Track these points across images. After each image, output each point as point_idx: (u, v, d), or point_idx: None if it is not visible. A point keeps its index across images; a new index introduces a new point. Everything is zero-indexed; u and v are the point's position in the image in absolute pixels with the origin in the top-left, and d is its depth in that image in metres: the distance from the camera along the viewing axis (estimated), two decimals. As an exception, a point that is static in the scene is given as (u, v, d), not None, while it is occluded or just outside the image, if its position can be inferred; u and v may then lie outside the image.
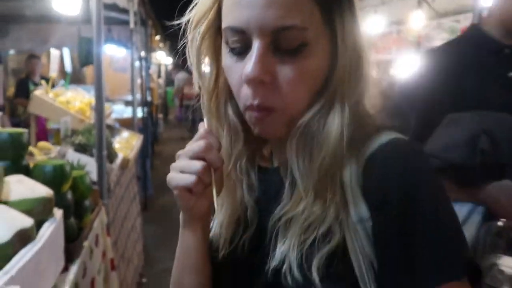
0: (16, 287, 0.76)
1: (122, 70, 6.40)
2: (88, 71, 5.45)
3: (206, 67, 0.58)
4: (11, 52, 5.66)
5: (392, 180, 0.47)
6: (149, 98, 5.36)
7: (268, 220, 0.54)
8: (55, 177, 1.24)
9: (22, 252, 0.91)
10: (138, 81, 4.80)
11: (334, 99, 0.50)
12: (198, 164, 0.52)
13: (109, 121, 3.02)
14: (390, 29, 5.12)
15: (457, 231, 0.48)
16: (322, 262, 0.48)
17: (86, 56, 2.91)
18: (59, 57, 2.97)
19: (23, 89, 4.08)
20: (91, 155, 2.05)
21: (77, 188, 1.40)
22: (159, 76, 9.58)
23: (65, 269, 1.23)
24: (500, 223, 0.81)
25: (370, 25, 4.71)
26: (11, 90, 4.72)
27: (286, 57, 0.48)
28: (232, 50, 0.51)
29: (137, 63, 4.70)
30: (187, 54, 0.57)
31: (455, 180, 0.93)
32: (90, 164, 1.88)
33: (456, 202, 0.96)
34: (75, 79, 4.59)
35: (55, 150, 1.92)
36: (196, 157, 0.53)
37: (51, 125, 3.15)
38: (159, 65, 9.84)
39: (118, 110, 4.89)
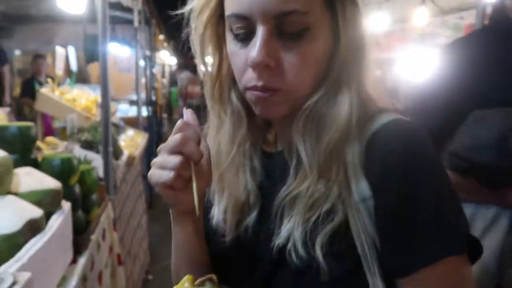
0: (28, 274, 0.77)
1: (126, 70, 6.43)
2: (93, 70, 5.48)
3: (209, 56, 0.59)
4: (17, 52, 5.71)
5: (393, 159, 0.48)
6: (153, 98, 5.38)
7: (272, 202, 0.55)
8: (62, 170, 1.26)
9: (32, 241, 0.92)
10: (143, 80, 4.83)
11: (340, 81, 0.51)
12: (175, 159, 0.51)
13: (114, 119, 3.04)
14: (394, 26, 5.11)
15: (456, 208, 0.49)
16: (325, 240, 0.49)
17: (91, 53, 2.94)
18: (64, 56, 2.99)
19: (29, 89, 4.11)
20: (97, 152, 2.06)
21: (84, 182, 1.42)
22: (163, 76, 9.61)
23: (74, 261, 1.24)
24: None
25: (374, 22, 4.70)
26: (17, 91, 4.76)
27: (290, 41, 0.49)
28: (236, 36, 0.52)
29: (141, 62, 4.73)
30: (190, 43, 0.58)
31: (481, 182, 0.89)
32: (96, 161, 1.89)
33: (481, 205, 0.92)
34: (80, 78, 4.61)
35: (62, 145, 1.94)
36: (173, 151, 0.51)
37: (57, 124, 3.18)
38: (163, 65, 9.87)
39: (123, 109, 4.91)
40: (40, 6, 4.17)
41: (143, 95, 4.62)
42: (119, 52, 5.69)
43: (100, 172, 1.89)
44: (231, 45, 0.53)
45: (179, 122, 0.53)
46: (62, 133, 2.57)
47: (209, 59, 0.59)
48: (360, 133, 0.51)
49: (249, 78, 0.51)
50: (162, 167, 0.52)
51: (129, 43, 4.95)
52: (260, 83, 0.50)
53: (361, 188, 0.49)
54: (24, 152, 1.20)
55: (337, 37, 0.51)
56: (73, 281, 1.17)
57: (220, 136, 0.60)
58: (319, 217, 0.50)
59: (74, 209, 1.24)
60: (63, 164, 1.26)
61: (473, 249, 0.49)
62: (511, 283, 0.88)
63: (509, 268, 0.76)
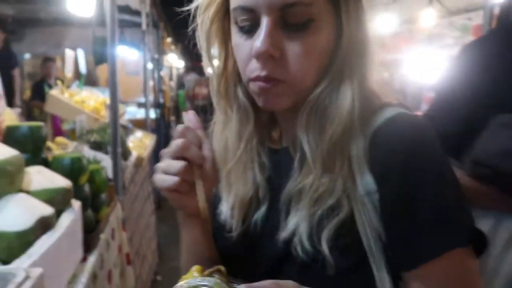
0: (39, 269, 0.79)
1: (134, 74, 6.49)
2: (102, 73, 5.53)
3: (215, 52, 0.59)
4: (27, 56, 5.79)
5: (397, 153, 0.48)
6: (161, 100, 5.42)
7: (279, 197, 0.56)
8: (72, 169, 1.28)
9: (43, 238, 0.94)
10: (151, 83, 4.86)
11: (343, 74, 0.52)
12: (178, 164, 0.52)
13: (122, 121, 3.06)
14: (401, 28, 5.10)
15: (460, 201, 0.49)
16: (331, 234, 0.49)
17: (100, 55, 2.97)
18: (73, 58, 3.03)
19: (39, 92, 4.16)
20: (106, 153, 2.09)
21: (93, 181, 1.44)
22: (170, 78, 9.68)
23: (84, 259, 1.26)
24: None
25: (381, 23, 4.68)
26: (27, 94, 4.82)
27: (294, 33, 0.50)
28: (241, 29, 0.53)
29: (149, 65, 4.76)
30: (196, 39, 0.58)
31: (505, 190, 0.86)
32: (105, 161, 1.91)
33: (504, 215, 0.88)
34: (89, 81, 4.66)
35: (72, 145, 1.97)
36: (175, 156, 0.52)
37: (66, 126, 3.21)
38: (170, 68, 9.94)
39: (131, 112, 4.95)
40: (50, 10, 4.23)
41: (151, 98, 4.65)
42: (127, 55, 5.74)
43: (109, 173, 1.91)
44: (236, 37, 0.54)
45: (178, 128, 0.55)
46: (71, 135, 2.60)
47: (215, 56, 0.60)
48: (364, 127, 0.51)
49: (252, 68, 0.52)
50: (166, 172, 0.53)
51: (137, 46, 5.00)
52: (263, 73, 0.51)
53: (366, 182, 0.49)
54: (35, 151, 1.22)
55: (340, 30, 0.52)
56: (83, 278, 1.19)
57: (226, 133, 0.60)
58: (325, 211, 0.50)
59: (83, 208, 1.26)
60: (73, 164, 1.28)
61: (479, 243, 0.49)
62: None
63: None
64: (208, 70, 0.60)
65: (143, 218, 2.75)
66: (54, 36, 5.29)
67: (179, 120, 10.20)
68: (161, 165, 0.54)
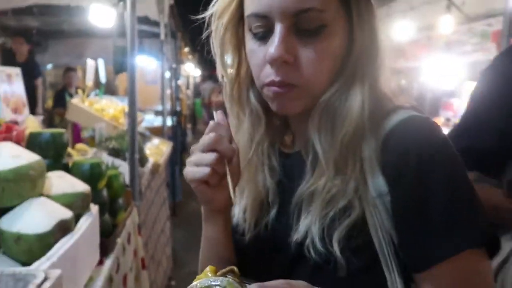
0: (58, 271, 0.81)
1: (152, 83, 6.62)
2: (121, 83, 5.66)
3: (228, 58, 0.61)
4: (49, 66, 5.97)
5: (409, 155, 0.48)
6: (178, 108, 5.50)
7: (291, 200, 0.57)
8: (92, 174, 1.31)
9: (63, 241, 0.97)
10: (168, 91, 4.94)
11: (354, 78, 0.53)
12: (210, 156, 0.53)
13: (140, 129, 3.12)
14: (419, 35, 5.05)
15: (473, 203, 0.49)
16: (342, 235, 0.50)
17: (120, 64, 3.04)
18: (94, 68, 3.12)
19: (60, 100, 4.29)
20: (124, 159, 2.13)
21: (111, 186, 1.47)
22: (187, 87, 9.81)
23: (100, 262, 1.29)
24: None
25: (399, 31, 4.66)
26: (49, 103, 4.97)
27: (307, 38, 0.51)
28: (255, 35, 0.54)
29: (167, 74, 4.85)
30: (211, 45, 0.60)
31: None
32: (122, 167, 1.96)
33: None
34: (108, 90, 4.78)
35: (91, 151, 2.02)
36: (208, 149, 0.54)
37: (85, 134, 3.30)
38: (187, 77, 10.09)
39: (149, 119, 5.04)
40: (72, 22, 4.37)
41: (168, 106, 4.73)
42: (146, 65, 5.86)
43: (126, 179, 1.95)
44: (250, 43, 0.55)
45: (211, 123, 0.56)
46: (90, 142, 2.67)
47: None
48: (376, 129, 0.52)
49: (267, 73, 0.53)
50: (198, 164, 0.54)
51: (155, 56, 5.10)
52: (277, 78, 0.52)
53: (378, 183, 0.50)
54: (56, 157, 1.26)
55: (352, 35, 0.53)
56: (100, 281, 1.21)
57: (238, 137, 0.62)
58: (336, 213, 0.51)
59: (101, 212, 1.29)
60: (92, 169, 1.32)
61: (492, 244, 0.49)
62: None
63: None
64: (221, 76, 0.62)
65: (159, 224, 2.79)
66: (76, 47, 5.45)
67: (195, 128, 10.32)
68: (192, 158, 0.56)
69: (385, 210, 0.49)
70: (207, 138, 0.55)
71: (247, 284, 0.47)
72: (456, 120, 3.36)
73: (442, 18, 4.22)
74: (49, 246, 0.93)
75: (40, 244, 0.93)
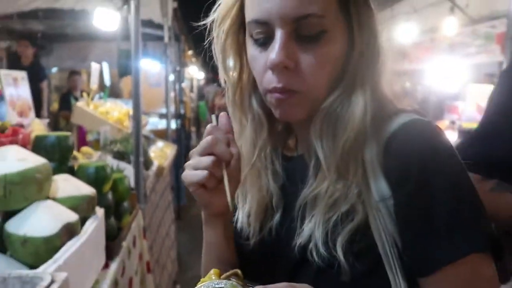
0: (64, 274, 0.81)
1: (156, 85, 6.65)
2: (125, 86, 5.69)
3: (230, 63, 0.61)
4: (54, 70, 6.02)
5: (411, 158, 0.48)
6: (182, 111, 5.52)
7: (294, 204, 0.57)
8: (97, 178, 1.32)
9: (69, 244, 0.97)
10: (172, 94, 4.96)
11: (355, 83, 0.53)
12: (207, 159, 0.54)
13: (144, 132, 3.14)
14: (423, 37, 5.04)
15: (477, 208, 0.49)
16: (345, 239, 0.50)
17: (124, 68, 3.06)
18: (99, 71, 3.14)
19: (65, 103, 4.32)
20: (129, 162, 2.14)
21: (116, 189, 1.48)
22: (191, 90, 9.84)
23: (106, 266, 1.29)
24: None
25: (402, 33, 4.65)
26: (54, 106, 5.00)
27: (307, 44, 0.52)
28: (256, 41, 0.54)
29: (171, 77, 4.87)
30: (213, 51, 0.61)
31: None
32: (127, 170, 1.96)
33: None
34: (113, 93, 4.80)
35: (96, 155, 2.03)
36: (205, 153, 0.54)
37: (90, 137, 3.31)
38: (191, 80, 10.12)
39: (153, 122, 5.06)
40: (77, 26, 4.40)
41: (172, 109, 4.75)
42: (149, 68, 5.88)
43: (131, 182, 1.96)
44: (252, 50, 0.56)
45: (208, 127, 0.57)
46: (95, 145, 2.68)
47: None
48: (378, 133, 0.52)
49: (269, 80, 0.53)
50: (195, 168, 0.55)
51: (159, 59, 5.13)
52: (279, 85, 0.52)
53: (380, 187, 0.50)
54: (61, 160, 1.27)
55: (352, 40, 0.53)
56: (105, 285, 1.21)
57: (241, 142, 0.62)
58: (339, 217, 0.51)
59: (106, 215, 1.29)
60: (98, 172, 1.32)
61: (497, 249, 0.48)
62: None
63: None
64: (224, 82, 0.62)
65: (163, 227, 2.79)
66: (81, 51, 5.49)
67: (199, 130, 10.37)
68: (191, 162, 0.56)
69: (388, 214, 0.49)
70: (204, 141, 0.55)
71: (250, 287, 0.47)
72: (461, 123, 3.35)
73: (446, 20, 4.22)
74: (55, 249, 0.94)
75: (47, 247, 0.93)
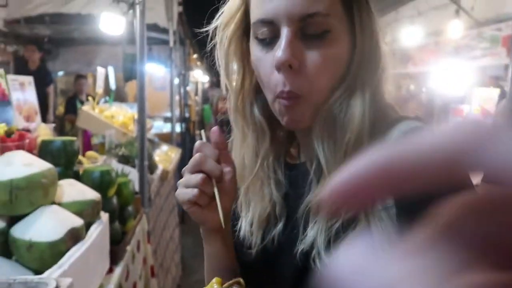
0: (69, 279, 0.82)
1: (161, 89, 6.69)
2: (130, 90, 5.72)
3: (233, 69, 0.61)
4: (60, 74, 6.06)
5: None
6: (187, 115, 5.53)
7: (297, 211, 0.56)
8: (102, 182, 1.33)
9: (74, 249, 0.98)
10: (177, 98, 4.98)
11: (355, 85, 0.53)
12: (196, 177, 0.54)
13: (149, 135, 3.15)
14: (427, 40, 5.03)
15: None
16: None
17: (130, 72, 3.08)
18: (104, 75, 3.16)
19: (72, 107, 4.35)
20: (133, 166, 2.15)
21: (121, 193, 1.48)
22: (196, 93, 9.86)
23: (110, 270, 1.29)
24: None
25: (407, 36, 4.64)
26: (60, 110, 5.04)
27: (312, 43, 0.52)
28: (261, 42, 0.54)
29: (176, 80, 4.89)
30: (215, 57, 0.60)
31: None
32: (132, 174, 1.97)
33: None
34: (118, 97, 4.83)
35: (101, 159, 2.04)
36: (194, 170, 0.54)
37: (95, 141, 3.33)
38: (196, 83, 10.14)
39: (158, 126, 5.08)
40: (83, 30, 4.44)
41: (177, 112, 4.76)
42: (155, 71, 5.91)
43: (136, 186, 1.97)
44: (256, 51, 0.55)
45: (196, 144, 0.57)
46: (100, 149, 2.70)
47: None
48: (380, 139, 0.51)
49: (276, 82, 0.53)
50: (186, 186, 0.55)
51: (164, 62, 5.15)
52: (286, 88, 0.52)
53: None
54: (67, 164, 1.28)
55: (353, 42, 0.53)
56: (110, 289, 1.22)
57: (243, 150, 0.62)
58: (342, 224, 0.51)
59: (111, 220, 1.30)
60: (102, 177, 1.33)
61: None
62: None
63: None
64: (225, 88, 0.62)
65: (168, 231, 2.79)
66: (87, 55, 5.53)
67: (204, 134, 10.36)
68: (182, 180, 0.56)
69: (390, 222, 0.49)
70: (192, 159, 0.55)
71: None
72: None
73: (451, 23, 4.20)
74: (60, 254, 0.94)
75: (52, 252, 0.94)
